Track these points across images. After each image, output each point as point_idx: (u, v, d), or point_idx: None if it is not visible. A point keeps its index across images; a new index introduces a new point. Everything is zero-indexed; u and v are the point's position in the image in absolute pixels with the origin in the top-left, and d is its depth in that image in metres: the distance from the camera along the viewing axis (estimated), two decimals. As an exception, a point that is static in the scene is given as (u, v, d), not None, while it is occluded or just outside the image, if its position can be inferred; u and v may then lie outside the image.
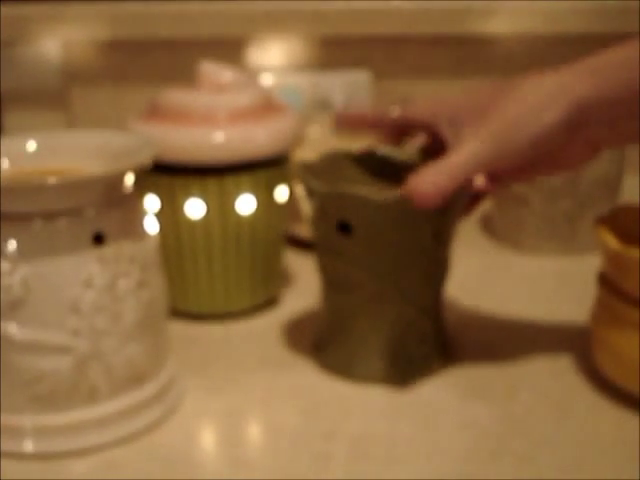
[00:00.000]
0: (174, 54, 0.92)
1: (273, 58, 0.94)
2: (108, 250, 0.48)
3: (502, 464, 0.48)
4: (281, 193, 0.64)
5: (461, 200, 0.54)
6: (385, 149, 0.60)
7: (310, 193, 0.54)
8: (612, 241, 0.50)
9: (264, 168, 0.62)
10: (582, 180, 0.75)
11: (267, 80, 0.93)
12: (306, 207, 0.55)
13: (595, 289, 0.55)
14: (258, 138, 0.60)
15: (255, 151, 0.60)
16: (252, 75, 0.86)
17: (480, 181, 0.55)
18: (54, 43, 0.90)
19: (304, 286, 0.71)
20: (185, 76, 0.89)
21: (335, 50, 0.94)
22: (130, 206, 0.50)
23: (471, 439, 0.50)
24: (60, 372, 0.47)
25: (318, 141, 0.82)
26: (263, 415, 0.53)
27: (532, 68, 0.96)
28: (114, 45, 0.91)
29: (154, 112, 0.62)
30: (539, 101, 0.49)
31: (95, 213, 0.47)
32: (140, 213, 0.51)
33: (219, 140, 0.59)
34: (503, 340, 0.62)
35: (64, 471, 0.47)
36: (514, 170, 0.52)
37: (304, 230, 0.74)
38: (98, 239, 0.47)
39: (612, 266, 0.52)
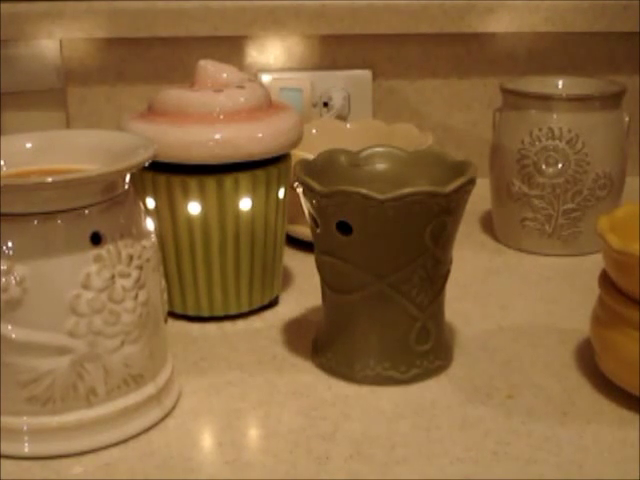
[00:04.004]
0: (173, 53, 0.92)
1: (273, 58, 0.94)
2: (106, 250, 0.47)
3: (502, 464, 0.47)
4: (280, 193, 0.64)
5: (461, 200, 0.54)
6: (384, 148, 0.60)
7: (310, 193, 0.53)
8: (613, 241, 0.50)
9: (263, 167, 0.62)
10: (583, 180, 0.75)
11: (267, 80, 0.93)
12: (306, 207, 0.55)
13: (596, 289, 0.54)
14: (257, 137, 0.60)
15: (254, 150, 0.60)
16: (251, 74, 0.85)
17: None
18: (52, 41, 0.90)
19: (304, 286, 0.71)
20: (184, 75, 0.89)
21: (335, 50, 0.94)
22: (128, 206, 0.50)
23: (471, 439, 0.50)
24: (57, 373, 0.47)
25: (318, 140, 0.82)
26: (263, 416, 0.53)
27: (534, 67, 0.97)
28: (113, 43, 0.91)
29: (152, 111, 0.62)
30: None
31: (93, 213, 0.47)
32: (138, 213, 0.51)
33: (218, 139, 0.59)
34: (503, 340, 0.62)
35: (62, 473, 0.47)
36: None
37: (304, 230, 0.74)
38: (96, 239, 0.47)
39: (613, 266, 0.52)
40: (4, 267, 0.46)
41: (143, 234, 0.50)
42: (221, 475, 0.47)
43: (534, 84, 0.79)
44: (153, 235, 0.52)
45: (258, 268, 0.64)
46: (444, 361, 0.58)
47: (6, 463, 0.48)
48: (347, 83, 0.94)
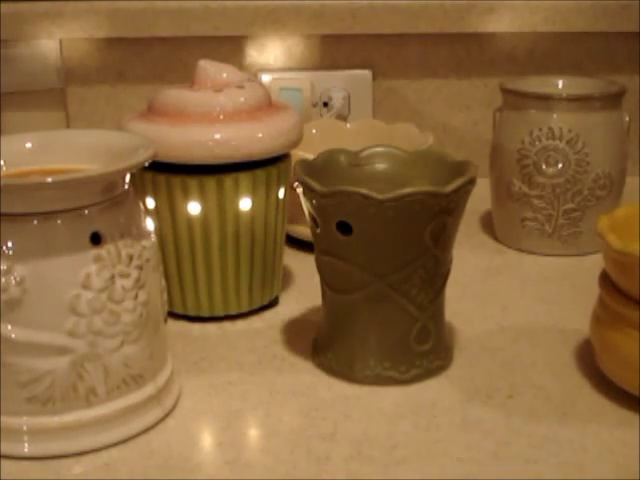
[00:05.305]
0: (173, 52, 0.92)
1: (273, 58, 0.94)
2: (106, 250, 0.47)
3: (503, 465, 0.47)
4: (280, 193, 0.64)
5: (462, 200, 0.54)
6: (384, 148, 0.60)
7: (310, 193, 0.53)
8: (613, 241, 0.50)
9: (263, 167, 0.61)
10: (584, 180, 0.75)
11: (267, 80, 0.93)
12: (306, 207, 0.55)
13: (596, 289, 0.54)
14: (257, 137, 0.60)
15: (254, 150, 0.60)
16: (251, 74, 0.85)
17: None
18: (52, 42, 0.90)
19: (304, 286, 0.70)
20: (184, 75, 0.89)
21: (335, 50, 0.94)
22: (128, 206, 0.50)
23: (471, 439, 0.50)
24: (57, 373, 0.47)
25: (318, 140, 0.82)
26: (262, 416, 0.53)
27: (534, 67, 0.97)
28: (112, 43, 0.91)
29: (152, 110, 0.62)
30: None
31: (93, 213, 0.47)
32: (138, 213, 0.51)
33: (218, 139, 0.59)
34: (503, 340, 0.62)
35: (62, 473, 0.47)
36: None
37: (304, 230, 0.74)
38: (95, 239, 0.47)
39: (613, 266, 0.52)
40: (4, 267, 0.46)
41: (143, 234, 0.50)
42: (221, 475, 0.47)
43: (534, 84, 0.79)
44: (153, 235, 0.52)
45: (258, 268, 0.64)
46: (444, 361, 0.58)
47: (6, 463, 0.48)
48: (347, 83, 0.94)
